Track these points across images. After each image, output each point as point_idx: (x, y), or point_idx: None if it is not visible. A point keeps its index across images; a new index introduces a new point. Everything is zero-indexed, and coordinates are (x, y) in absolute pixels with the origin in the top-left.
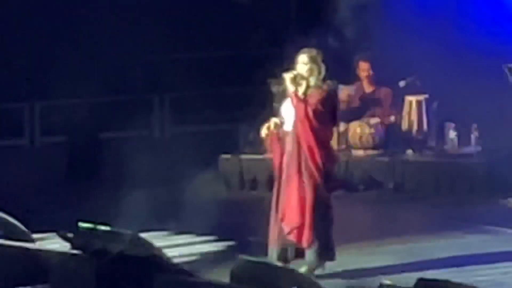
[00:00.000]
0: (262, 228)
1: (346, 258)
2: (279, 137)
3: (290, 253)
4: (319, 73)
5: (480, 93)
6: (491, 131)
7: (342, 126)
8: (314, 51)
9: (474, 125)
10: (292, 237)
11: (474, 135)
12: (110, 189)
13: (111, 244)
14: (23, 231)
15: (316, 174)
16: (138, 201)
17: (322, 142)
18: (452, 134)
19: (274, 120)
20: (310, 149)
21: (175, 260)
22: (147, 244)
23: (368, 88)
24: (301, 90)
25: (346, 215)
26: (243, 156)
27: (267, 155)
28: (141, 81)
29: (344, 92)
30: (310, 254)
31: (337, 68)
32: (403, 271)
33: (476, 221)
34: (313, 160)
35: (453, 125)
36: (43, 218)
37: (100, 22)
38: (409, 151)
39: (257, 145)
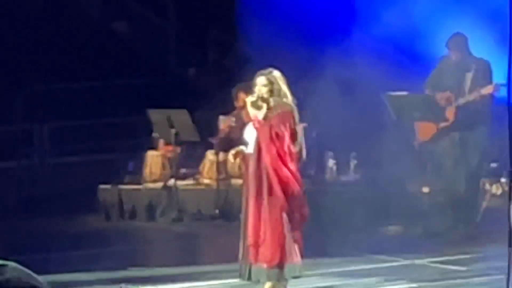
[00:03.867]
0: (142, 257)
1: None
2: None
3: (256, 272)
4: (279, 93)
5: (358, 122)
6: (369, 160)
7: (221, 156)
8: (272, 72)
9: (353, 154)
10: (251, 256)
11: (352, 164)
12: None
13: None
14: None
15: (278, 195)
16: (16, 230)
17: (284, 162)
18: (331, 162)
19: (241, 147)
20: (272, 170)
21: None
22: (26, 275)
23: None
24: (262, 112)
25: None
26: (122, 186)
27: (147, 185)
28: (20, 111)
29: (225, 122)
30: (272, 273)
31: (217, 98)
32: None
33: (356, 249)
34: (275, 181)
35: (332, 153)
36: None
37: None
38: None
39: (136, 174)
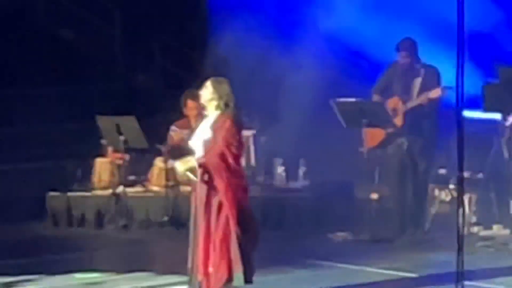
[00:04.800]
0: (90, 264)
1: None
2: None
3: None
4: (222, 101)
5: (307, 128)
6: (318, 166)
7: (170, 164)
8: (216, 80)
9: (302, 160)
10: (198, 271)
11: (301, 170)
12: None
13: None
14: None
15: (225, 204)
16: None
17: (231, 171)
18: (280, 169)
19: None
20: (219, 179)
21: None
22: None
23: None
24: (204, 122)
25: (175, 251)
26: (71, 193)
27: (95, 192)
28: None
29: (177, 135)
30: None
31: (166, 105)
32: None
33: (304, 256)
34: (221, 189)
35: (281, 160)
36: None
37: None
38: None
39: (85, 182)
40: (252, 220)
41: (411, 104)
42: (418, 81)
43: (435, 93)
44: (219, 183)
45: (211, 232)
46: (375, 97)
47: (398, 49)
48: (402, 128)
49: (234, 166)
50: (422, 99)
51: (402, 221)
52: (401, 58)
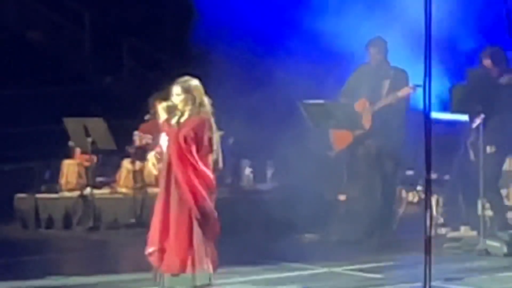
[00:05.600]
0: (58, 266)
1: None
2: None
3: (168, 279)
4: (194, 102)
5: (275, 130)
6: (286, 168)
7: (137, 165)
8: (187, 81)
9: (270, 162)
10: (153, 260)
11: (269, 172)
12: None
13: None
14: None
15: (186, 199)
16: None
17: (195, 168)
18: (248, 170)
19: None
20: (182, 175)
21: None
22: None
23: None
24: (174, 119)
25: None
26: (39, 195)
27: (63, 194)
28: None
29: (141, 139)
30: (174, 280)
31: (134, 106)
32: None
33: (272, 257)
34: (184, 186)
35: (248, 161)
36: None
37: None
38: None
39: (53, 183)
40: (215, 221)
41: (380, 104)
42: (387, 83)
43: (404, 91)
44: (181, 177)
45: (170, 209)
46: (342, 99)
47: (368, 47)
48: (369, 130)
49: (199, 165)
50: (391, 98)
51: (370, 223)
52: (372, 55)
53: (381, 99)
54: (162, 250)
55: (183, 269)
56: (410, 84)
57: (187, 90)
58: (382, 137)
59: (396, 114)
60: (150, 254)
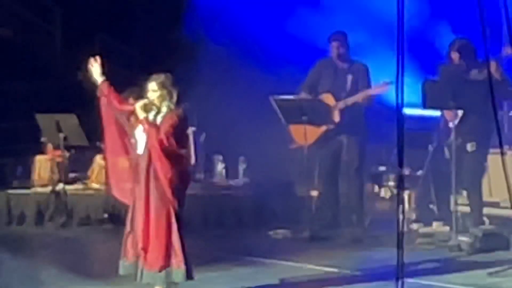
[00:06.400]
0: (30, 263)
1: None
2: (131, 162)
3: (147, 275)
4: (171, 97)
5: (247, 125)
6: (258, 163)
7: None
8: (162, 77)
9: (242, 158)
10: (141, 259)
11: (241, 168)
12: None
13: None
14: None
15: (167, 196)
16: None
17: (174, 164)
18: (220, 166)
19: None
20: (162, 171)
21: None
22: None
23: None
24: (151, 116)
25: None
26: (11, 191)
27: (35, 190)
28: None
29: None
30: (160, 277)
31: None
32: None
33: (244, 253)
34: (165, 183)
35: (221, 157)
36: None
37: None
38: None
39: (25, 179)
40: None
41: (352, 100)
42: (349, 78)
43: (377, 89)
44: (161, 173)
45: (150, 205)
46: (303, 94)
47: (330, 40)
48: (338, 125)
49: (179, 161)
50: (363, 96)
51: (340, 219)
52: (334, 48)
53: (354, 96)
54: (145, 249)
55: (164, 266)
56: (381, 82)
57: (163, 86)
58: (350, 133)
59: (362, 110)
60: (137, 251)
